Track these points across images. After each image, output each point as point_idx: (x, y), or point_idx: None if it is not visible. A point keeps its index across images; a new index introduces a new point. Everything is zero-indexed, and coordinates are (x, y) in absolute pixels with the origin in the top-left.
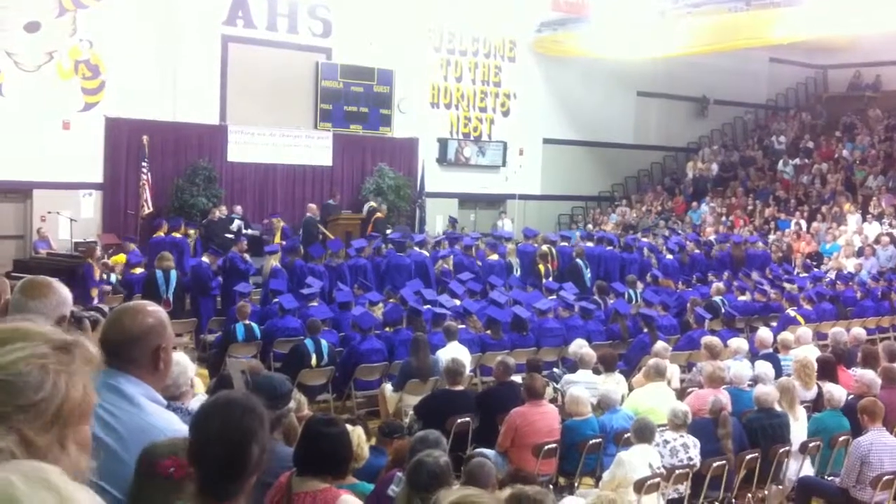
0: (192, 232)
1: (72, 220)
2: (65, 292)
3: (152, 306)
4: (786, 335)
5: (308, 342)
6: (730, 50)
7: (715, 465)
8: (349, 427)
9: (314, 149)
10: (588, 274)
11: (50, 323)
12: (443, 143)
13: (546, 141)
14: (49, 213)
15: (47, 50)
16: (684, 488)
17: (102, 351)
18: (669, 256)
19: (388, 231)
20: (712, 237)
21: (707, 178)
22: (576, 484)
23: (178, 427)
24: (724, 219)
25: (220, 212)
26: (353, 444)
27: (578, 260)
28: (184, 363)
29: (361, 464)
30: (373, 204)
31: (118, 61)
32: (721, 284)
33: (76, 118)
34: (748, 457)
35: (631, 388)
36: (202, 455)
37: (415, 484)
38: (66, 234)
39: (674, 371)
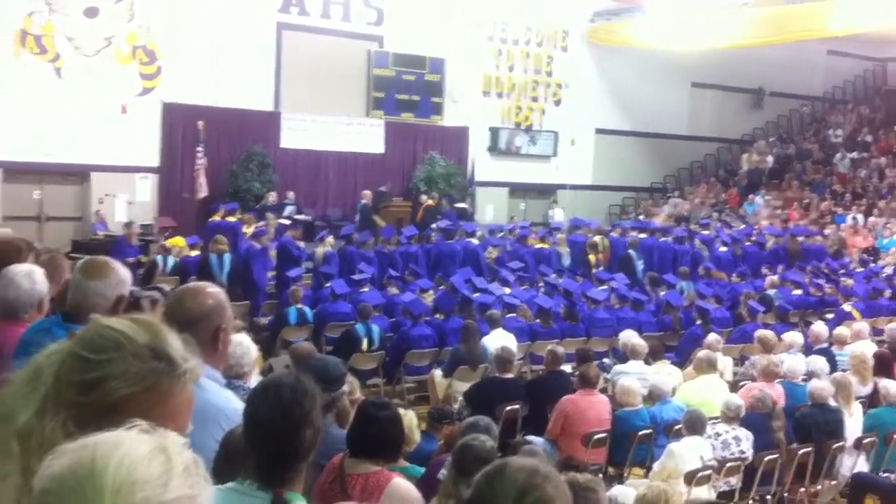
0: (247, 216)
1: (128, 203)
2: (124, 273)
3: (212, 287)
4: (841, 330)
5: (359, 327)
6: (786, 42)
7: (767, 458)
8: (401, 411)
9: (366, 136)
10: (640, 265)
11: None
12: (494, 133)
13: (598, 131)
14: (106, 195)
15: (106, 35)
16: (735, 481)
17: None
18: (723, 249)
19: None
20: (766, 230)
21: (762, 171)
22: (625, 474)
23: (235, 405)
24: (778, 212)
25: (273, 197)
26: (404, 428)
27: (631, 251)
28: (247, 344)
29: (413, 448)
30: (430, 202)
31: (174, 47)
32: (775, 278)
33: (133, 102)
34: (801, 451)
35: (683, 380)
36: (255, 438)
37: (460, 467)
38: (122, 216)
39: (726, 364)
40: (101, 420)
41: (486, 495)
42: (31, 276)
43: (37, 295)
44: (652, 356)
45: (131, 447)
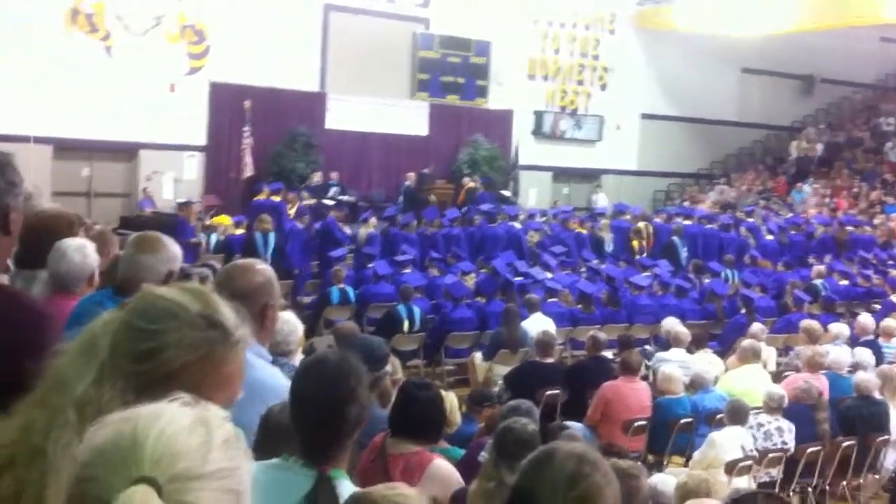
0: (291, 196)
1: (175, 181)
2: (174, 248)
3: (261, 265)
4: (888, 322)
5: (401, 308)
6: (839, 28)
7: (810, 450)
8: (442, 393)
9: (410, 118)
10: (684, 252)
11: (159, 277)
12: (538, 116)
13: (644, 116)
14: (154, 173)
15: (155, 14)
16: (777, 472)
17: None
18: (769, 237)
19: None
20: (814, 219)
21: (811, 159)
22: (665, 462)
23: (282, 382)
24: (827, 200)
25: (318, 178)
26: (445, 410)
27: (675, 238)
28: (294, 322)
29: (453, 429)
30: (472, 184)
31: (223, 27)
32: (822, 267)
33: (182, 82)
34: (844, 444)
35: (725, 369)
36: (301, 415)
37: (502, 450)
38: (169, 194)
39: (770, 354)
40: (156, 389)
41: (533, 484)
42: (82, 251)
43: (88, 269)
44: (695, 344)
45: (172, 419)
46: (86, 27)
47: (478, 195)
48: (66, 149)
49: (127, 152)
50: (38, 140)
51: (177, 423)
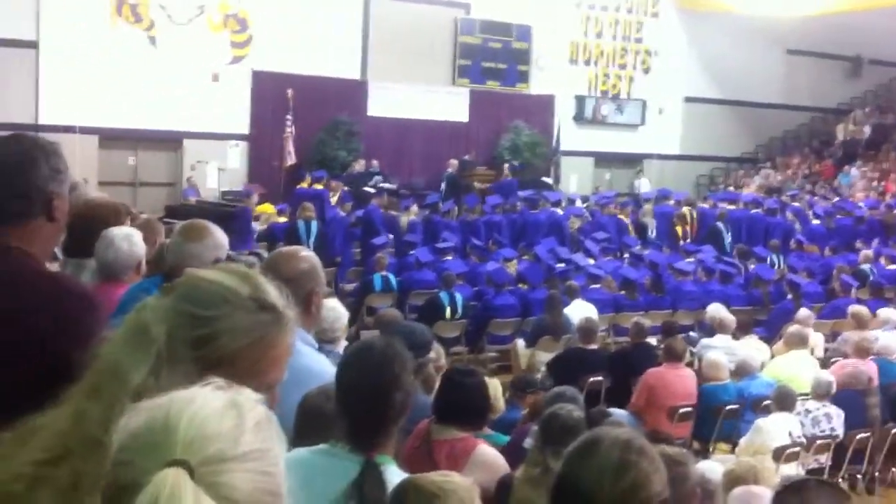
0: (334, 184)
1: (220, 170)
2: (221, 236)
3: (306, 252)
4: None
5: (443, 295)
6: (886, 7)
7: (859, 437)
8: (486, 379)
9: (451, 105)
10: (728, 237)
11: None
12: (580, 101)
13: (688, 99)
14: (198, 162)
15: (198, 3)
16: (825, 459)
17: None
18: (816, 221)
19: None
20: (862, 203)
21: (858, 141)
22: (710, 449)
23: (328, 369)
24: (875, 184)
25: (360, 165)
26: (489, 396)
27: (719, 223)
28: (339, 310)
29: (497, 416)
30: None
31: (265, 16)
32: (870, 252)
33: (225, 71)
34: (894, 430)
35: (772, 356)
36: (347, 401)
37: (547, 437)
38: (213, 182)
39: (817, 340)
40: (211, 374)
41: (578, 472)
42: (129, 239)
43: (135, 257)
44: (740, 330)
45: (204, 403)
46: (130, 18)
47: (503, 182)
48: (112, 138)
49: (171, 142)
50: (83, 130)
51: (209, 406)
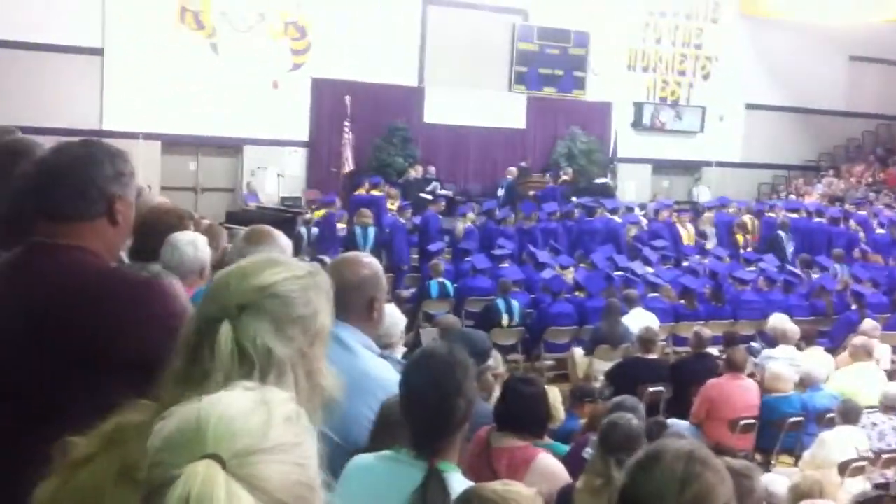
0: (393, 192)
1: (279, 176)
2: (284, 241)
3: (368, 258)
4: None
5: (499, 302)
6: None
7: None
8: (547, 387)
9: (507, 111)
10: (790, 247)
11: None
12: (638, 107)
13: (749, 106)
14: (258, 168)
15: (259, 11)
16: (893, 474)
17: None
18: (880, 231)
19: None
20: None
21: None
22: (772, 462)
23: (389, 376)
24: None
25: (416, 172)
26: (550, 405)
27: (780, 231)
28: (396, 315)
29: (557, 425)
30: (566, 178)
31: (324, 23)
32: None
33: (285, 78)
34: None
35: (836, 367)
36: (410, 408)
37: (608, 446)
38: (272, 188)
39: (883, 352)
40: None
41: (642, 485)
42: (194, 244)
43: (200, 262)
44: (808, 341)
45: (232, 402)
46: (193, 25)
47: (545, 189)
48: (174, 144)
49: (232, 148)
50: (146, 136)
51: (237, 405)
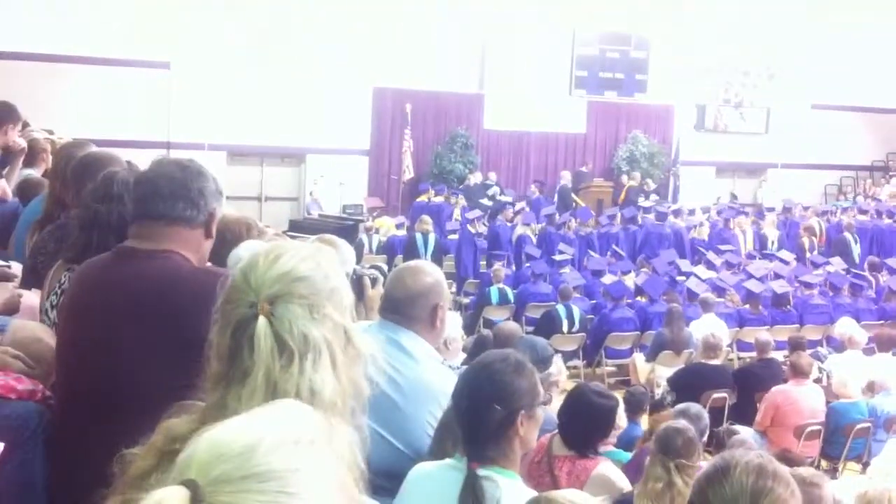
0: (454, 199)
1: (340, 184)
2: (347, 250)
3: (431, 266)
4: None
5: (560, 308)
6: None
7: None
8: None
9: (568, 116)
10: (858, 249)
11: None
12: (701, 109)
13: (814, 106)
14: (321, 176)
15: (321, 22)
16: None
17: (385, 307)
18: None
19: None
20: None
21: None
22: (839, 469)
23: (449, 382)
24: None
25: (476, 178)
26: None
27: (848, 234)
28: (457, 322)
29: (619, 432)
30: (632, 182)
31: (384, 33)
32: None
33: (346, 87)
34: None
35: None
36: (463, 414)
37: (668, 449)
38: (335, 197)
39: None
40: None
41: (711, 499)
42: None
43: None
44: (880, 346)
45: (228, 425)
46: (255, 37)
47: (634, 192)
48: (238, 155)
49: (295, 157)
50: (211, 147)
51: (229, 427)
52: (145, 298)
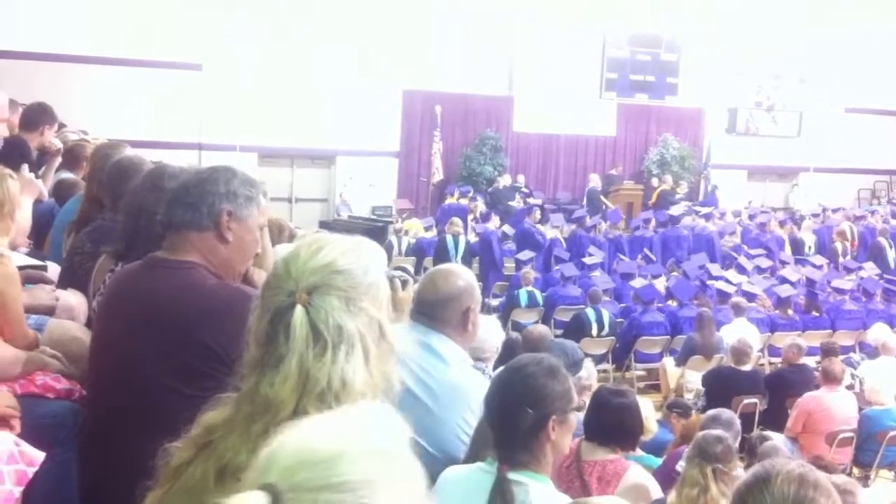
0: (474, 204)
1: (370, 186)
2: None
3: (463, 269)
4: None
5: (589, 311)
6: None
7: None
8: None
9: (598, 118)
10: (892, 254)
11: None
12: (732, 112)
13: (848, 110)
14: (350, 178)
15: (351, 24)
16: None
17: (416, 309)
18: None
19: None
20: None
21: None
22: (872, 476)
23: (480, 386)
24: None
25: (505, 180)
26: (642, 417)
27: (882, 238)
28: (493, 328)
29: (649, 437)
30: (664, 186)
31: (414, 35)
32: None
33: (376, 89)
34: None
35: None
36: (494, 417)
37: (706, 455)
38: (365, 198)
39: None
40: None
41: None
42: None
43: None
44: None
45: (311, 431)
46: (286, 39)
47: (666, 196)
48: (269, 156)
49: (325, 159)
50: (243, 149)
51: (316, 430)
52: (160, 309)
